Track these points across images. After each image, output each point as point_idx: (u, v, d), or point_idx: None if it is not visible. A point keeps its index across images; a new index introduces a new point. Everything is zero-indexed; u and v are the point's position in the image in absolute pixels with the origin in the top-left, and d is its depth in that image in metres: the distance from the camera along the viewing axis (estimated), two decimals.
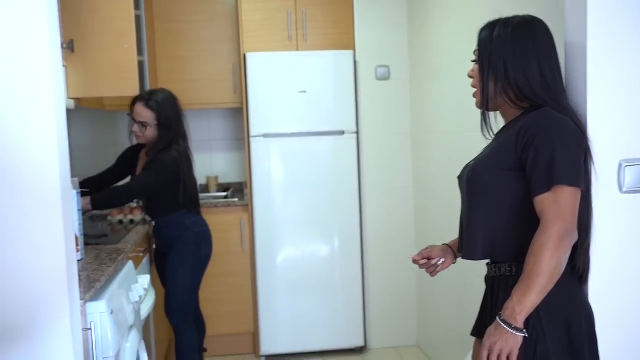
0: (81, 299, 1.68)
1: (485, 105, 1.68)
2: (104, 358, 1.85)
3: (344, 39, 3.97)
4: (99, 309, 1.85)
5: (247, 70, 3.81)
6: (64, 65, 3.00)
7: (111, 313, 1.90)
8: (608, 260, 1.68)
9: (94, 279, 1.91)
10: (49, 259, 1.52)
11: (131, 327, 2.20)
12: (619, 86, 1.67)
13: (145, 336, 3.03)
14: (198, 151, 4.42)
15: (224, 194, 4.23)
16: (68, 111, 3.97)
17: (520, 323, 1.50)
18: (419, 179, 3.90)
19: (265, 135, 3.83)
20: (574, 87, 1.71)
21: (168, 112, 3.01)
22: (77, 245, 2.17)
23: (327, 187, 3.90)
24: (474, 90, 1.73)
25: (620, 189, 1.68)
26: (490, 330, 1.54)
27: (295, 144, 3.86)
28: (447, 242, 1.91)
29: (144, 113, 2.99)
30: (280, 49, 3.90)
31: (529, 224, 1.56)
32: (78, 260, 2.16)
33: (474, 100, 1.74)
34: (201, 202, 3.85)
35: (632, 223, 1.68)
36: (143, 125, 2.99)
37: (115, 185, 3.16)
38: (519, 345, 1.50)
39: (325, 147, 3.89)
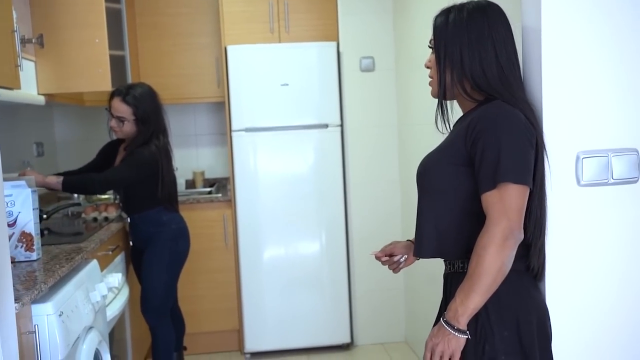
0: (20, 302, 1.63)
1: (442, 94, 1.61)
2: None
3: (328, 30, 3.89)
4: (45, 310, 1.80)
5: (228, 63, 3.75)
6: (33, 61, 2.96)
7: (60, 315, 1.85)
8: (565, 256, 1.60)
9: (42, 280, 1.86)
10: None
11: (90, 328, 2.16)
12: (576, 74, 1.59)
13: (120, 335, 3.00)
14: (184, 146, 4.39)
15: (209, 189, 4.17)
16: (48, 107, 3.95)
17: (463, 324, 1.44)
18: (405, 172, 3.82)
19: (247, 129, 3.77)
20: (529, 76, 1.63)
21: (146, 106, 2.95)
22: (32, 245, 2.13)
23: (311, 181, 3.83)
24: (430, 77, 1.64)
25: (578, 182, 1.60)
26: (434, 331, 1.49)
27: (279, 138, 3.79)
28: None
29: (121, 108, 2.93)
30: (262, 41, 3.83)
31: (478, 220, 1.49)
32: (33, 261, 2.13)
33: (430, 86, 1.66)
34: (185, 198, 3.83)
35: (590, 217, 1.60)
36: (120, 120, 2.94)
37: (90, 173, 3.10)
38: (461, 348, 1.44)
39: (309, 141, 3.82)
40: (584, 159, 1.59)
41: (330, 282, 3.87)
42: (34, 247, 2.13)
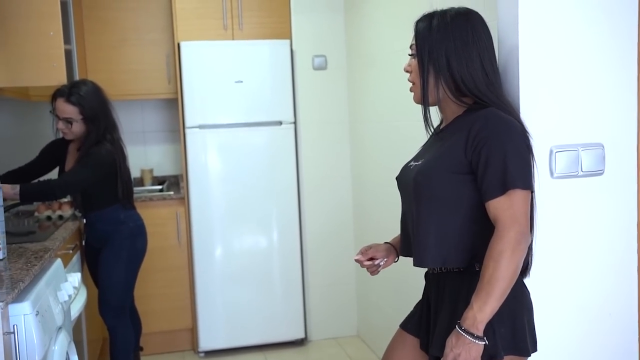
0: (2, 301, 1.58)
1: (425, 100, 1.64)
2: None
3: (281, 28, 3.91)
4: (22, 310, 1.74)
5: (182, 59, 3.71)
6: None
7: (37, 314, 1.80)
8: (541, 245, 1.70)
9: (17, 278, 1.80)
10: None
11: (60, 328, 2.10)
12: (549, 72, 1.70)
13: (77, 337, 2.91)
14: (132, 143, 4.27)
15: (159, 187, 4.11)
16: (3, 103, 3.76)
17: (481, 331, 1.47)
18: (356, 169, 3.90)
19: (201, 126, 3.74)
20: (507, 76, 1.72)
21: (93, 104, 2.86)
22: None
23: (265, 178, 3.84)
24: (411, 84, 1.69)
25: (552, 174, 1.71)
26: (452, 341, 1.50)
27: (232, 135, 3.78)
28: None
29: (67, 109, 2.83)
30: (215, 38, 3.81)
31: (481, 228, 1.55)
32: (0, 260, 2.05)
33: (411, 92, 1.71)
34: (136, 196, 3.73)
35: (562, 207, 1.72)
36: (68, 121, 2.85)
37: (44, 178, 3.00)
38: (480, 354, 1.47)
39: (263, 138, 3.83)
40: (556, 153, 1.70)
41: (284, 278, 3.90)
42: (0, 246, 2.05)
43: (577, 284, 1.74)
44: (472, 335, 1.46)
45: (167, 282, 3.84)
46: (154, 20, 4.01)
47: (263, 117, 3.82)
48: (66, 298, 2.20)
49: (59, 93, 2.84)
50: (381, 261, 1.82)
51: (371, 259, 1.82)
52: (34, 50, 2.89)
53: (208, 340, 3.82)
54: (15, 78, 2.92)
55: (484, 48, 1.60)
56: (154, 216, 3.75)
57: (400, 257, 1.82)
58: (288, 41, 3.85)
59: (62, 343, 2.06)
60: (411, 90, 1.69)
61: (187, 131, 3.73)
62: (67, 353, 2.14)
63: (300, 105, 3.89)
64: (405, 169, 1.75)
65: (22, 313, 1.75)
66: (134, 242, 3.02)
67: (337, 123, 3.95)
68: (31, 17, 2.88)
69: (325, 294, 3.99)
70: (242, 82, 3.77)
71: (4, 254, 2.08)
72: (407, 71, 1.69)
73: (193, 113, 3.73)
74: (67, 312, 2.25)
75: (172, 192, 3.91)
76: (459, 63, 1.57)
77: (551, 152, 1.70)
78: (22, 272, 1.87)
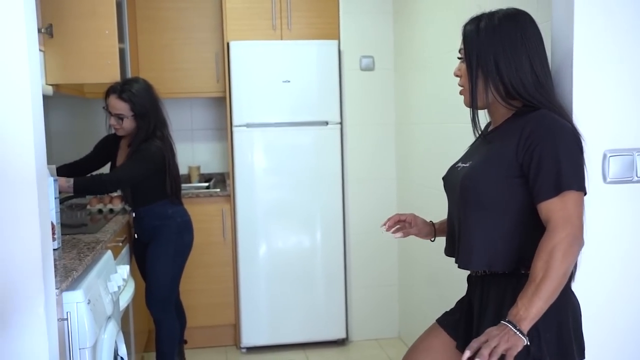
0: (57, 288, 1.63)
1: (474, 104, 1.63)
2: (80, 349, 1.82)
3: (329, 29, 3.93)
4: (75, 298, 1.81)
5: (230, 58, 3.76)
6: (41, 50, 2.94)
7: (88, 303, 1.86)
8: (592, 252, 1.67)
9: (70, 268, 1.87)
10: (23, 247, 1.48)
11: (109, 317, 2.16)
12: (604, 75, 1.66)
13: (124, 327, 2.99)
14: (180, 141, 4.35)
15: (206, 184, 4.18)
16: (46, 98, 3.91)
17: (525, 329, 1.42)
18: (402, 171, 3.89)
19: (248, 125, 3.79)
20: (560, 76, 1.70)
21: (143, 101, 2.94)
22: (53, 233, 2.13)
23: (309, 178, 3.87)
24: (461, 86, 1.68)
25: (605, 179, 1.67)
26: (492, 329, 1.44)
27: (278, 134, 3.82)
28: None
29: (119, 105, 2.92)
30: (264, 38, 3.85)
31: (529, 231, 1.53)
32: (54, 249, 2.12)
33: (458, 92, 1.70)
34: (183, 192, 3.82)
35: (616, 213, 1.68)
36: (119, 117, 2.94)
37: (97, 173, 3.09)
38: (518, 348, 1.39)
39: (309, 138, 3.85)
40: (610, 157, 1.66)
41: (327, 278, 3.92)
42: (55, 236, 2.12)
43: (628, 293, 1.70)
44: (515, 327, 1.41)
45: (212, 278, 3.90)
46: (204, 19, 4.08)
47: (309, 117, 3.84)
48: (115, 289, 2.27)
49: (111, 90, 2.93)
50: (410, 227, 1.88)
51: (401, 222, 1.87)
52: (89, 48, 2.99)
53: (250, 336, 3.87)
54: (72, 75, 3.02)
55: (534, 50, 1.57)
56: (200, 212, 3.82)
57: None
58: (336, 42, 3.86)
59: (112, 332, 2.13)
60: (461, 93, 1.68)
61: (235, 130, 3.79)
62: (115, 342, 2.20)
63: (347, 105, 3.90)
64: (453, 170, 1.74)
65: (75, 301, 1.81)
66: (181, 236, 3.08)
67: (384, 124, 3.95)
68: (87, 16, 2.97)
69: (368, 295, 3.99)
70: (289, 81, 3.80)
71: (58, 244, 2.15)
72: (456, 75, 1.69)
73: (240, 112, 3.78)
74: (116, 303, 2.32)
75: (218, 190, 3.97)
76: (508, 67, 1.56)
77: (604, 156, 1.67)
78: (75, 262, 1.94)
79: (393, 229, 1.88)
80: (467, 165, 1.66)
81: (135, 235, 3.12)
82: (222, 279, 3.92)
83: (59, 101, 4.07)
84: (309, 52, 3.83)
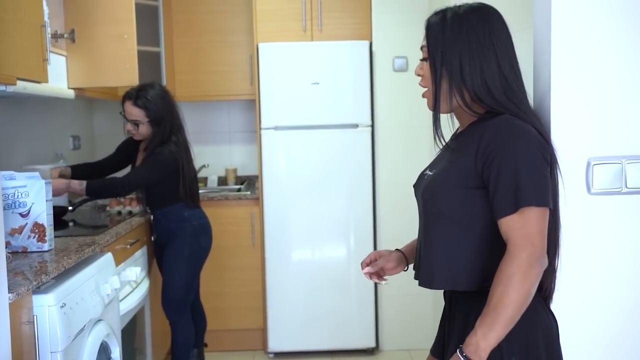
0: (18, 292, 1.64)
1: (437, 107, 1.48)
2: (51, 352, 1.82)
3: (361, 29, 3.83)
4: (46, 302, 1.81)
5: (260, 61, 3.74)
6: (64, 55, 3.02)
7: (62, 306, 1.86)
8: (574, 268, 1.51)
9: (47, 270, 1.88)
10: None
11: (98, 320, 2.17)
12: (588, 75, 1.50)
13: (141, 328, 3.03)
14: (218, 143, 4.43)
15: (238, 187, 4.18)
16: (88, 102, 4.02)
17: (484, 359, 1.33)
18: None
19: (277, 128, 3.75)
20: (537, 76, 1.54)
21: (158, 107, 2.95)
22: (44, 236, 2.16)
23: (339, 181, 3.78)
24: (423, 87, 1.54)
25: (589, 190, 1.50)
26: None
27: (307, 137, 3.76)
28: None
29: (134, 111, 2.95)
30: (294, 39, 3.81)
31: (495, 247, 1.40)
32: (45, 251, 2.16)
33: (424, 97, 1.56)
34: (215, 194, 3.85)
35: (600, 228, 1.50)
36: (135, 123, 2.97)
37: (113, 175, 3.15)
38: None
39: (339, 141, 3.77)
40: (594, 166, 1.49)
41: (357, 284, 3.81)
42: (46, 238, 2.16)
43: (615, 314, 1.52)
44: None
45: (241, 281, 3.89)
46: (238, 22, 4.09)
47: (339, 120, 3.76)
48: (109, 291, 2.27)
49: (127, 96, 2.96)
50: (386, 282, 1.71)
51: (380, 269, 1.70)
52: (109, 53, 3.05)
53: (278, 341, 3.83)
54: (94, 79, 3.09)
55: (502, 49, 1.43)
56: (230, 215, 3.82)
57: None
58: (368, 42, 3.76)
59: (98, 334, 2.13)
60: (424, 96, 1.55)
61: (263, 132, 3.76)
62: (106, 343, 2.21)
63: (379, 107, 3.78)
64: (421, 177, 1.61)
65: (46, 304, 1.82)
66: (197, 239, 3.08)
67: (417, 127, 3.80)
68: (108, 21, 3.04)
69: (399, 303, 3.86)
70: (319, 83, 3.73)
71: (50, 245, 2.18)
72: (418, 75, 1.55)
73: (269, 114, 3.75)
74: (110, 305, 2.32)
75: (248, 192, 3.96)
76: (473, 70, 1.41)
77: (588, 164, 1.50)
78: (53, 265, 1.95)
79: (368, 271, 1.71)
80: (432, 173, 1.53)
81: (153, 237, 3.14)
82: (251, 283, 3.89)
83: (101, 105, 4.18)
84: (339, 53, 3.75)
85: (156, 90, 2.98)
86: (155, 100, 2.94)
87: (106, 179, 2.97)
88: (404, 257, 1.71)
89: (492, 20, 1.45)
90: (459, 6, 1.48)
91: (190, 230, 3.06)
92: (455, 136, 1.55)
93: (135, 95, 2.94)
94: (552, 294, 1.48)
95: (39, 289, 1.84)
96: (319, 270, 3.81)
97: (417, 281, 1.55)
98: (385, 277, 1.72)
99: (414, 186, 1.65)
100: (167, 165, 2.92)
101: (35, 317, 1.77)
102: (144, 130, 2.97)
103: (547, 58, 1.50)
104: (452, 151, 1.49)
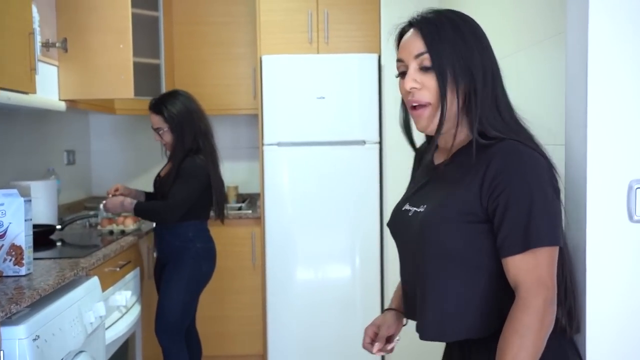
0: None
1: (441, 128, 1.26)
2: None
3: (369, 42, 3.67)
4: (16, 334, 1.63)
5: (263, 73, 3.58)
6: (56, 65, 2.86)
7: (35, 339, 1.68)
8: (614, 305, 1.31)
9: (19, 299, 1.70)
10: None
11: (79, 352, 1.98)
12: (628, 90, 1.31)
13: (131, 357, 2.83)
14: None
15: (239, 205, 4.00)
16: (84, 115, 3.87)
17: None
18: None
19: (280, 144, 3.58)
20: (572, 92, 1.36)
21: (175, 112, 2.86)
22: (21, 259, 1.98)
23: (345, 201, 3.60)
24: (425, 108, 1.28)
25: (631, 217, 1.31)
26: None
27: (312, 154, 3.58)
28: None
29: (154, 119, 2.89)
30: (300, 52, 3.65)
31: (507, 283, 1.22)
32: (22, 276, 1.98)
33: (415, 114, 1.32)
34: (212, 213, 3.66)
35: None
36: (158, 131, 2.89)
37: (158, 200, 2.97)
38: None
39: (345, 158, 3.59)
40: (637, 190, 1.30)
41: (363, 307, 3.61)
42: (24, 262, 1.97)
43: None
44: None
45: (241, 305, 3.70)
46: (242, 34, 3.94)
47: (345, 136, 3.58)
48: (92, 320, 2.09)
49: (149, 104, 2.90)
50: (397, 339, 1.49)
51: (386, 340, 1.48)
52: (103, 63, 2.90)
53: None
54: (87, 90, 2.94)
55: (494, 62, 1.30)
56: (230, 235, 3.64)
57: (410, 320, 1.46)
58: (376, 55, 3.60)
59: None
60: (416, 113, 1.30)
61: (265, 148, 3.58)
62: None
63: (387, 123, 3.61)
64: (400, 214, 1.37)
65: (16, 337, 1.63)
66: (199, 264, 2.90)
67: None
68: (102, 30, 2.89)
69: (407, 327, 3.64)
70: (324, 98, 3.56)
71: (28, 269, 2.00)
72: (413, 88, 1.30)
73: (272, 129, 3.58)
74: (94, 334, 2.13)
75: (249, 211, 3.78)
76: (486, 84, 1.27)
77: (630, 188, 1.30)
78: (28, 292, 1.77)
79: (379, 347, 1.47)
80: (422, 210, 1.30)
81: (155, 254, 2.98)
82: (251, 306, 3.70)
83: (99, 119, 4.03)
84: (346, 66, 3.58)
85: (175, 96, 2.91)
86: (173, 105, 2.86)
87: (155, 202, 2.89)
88: (400, 314, 1.50)
89: (477, 28, 1.32)
90: (454, 12, 1.31)
91: (194, 253, 2.88)
92: (444, 163, 1.33)
93: (154, 102, 2.88)
94: (576, 328, 1.31)
95: (9, 319, 1.66)
96: (323, 293, 3.61)
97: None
98: (393, 340, 1.49)
99: (389, 225, 1.43)
100: (198, 178, 2.83)
101: (1, 352, 1.59)
102: (167, 137, 2.89)
103: (583, 68, 1.31)
104: (446, 180, 1.30)
